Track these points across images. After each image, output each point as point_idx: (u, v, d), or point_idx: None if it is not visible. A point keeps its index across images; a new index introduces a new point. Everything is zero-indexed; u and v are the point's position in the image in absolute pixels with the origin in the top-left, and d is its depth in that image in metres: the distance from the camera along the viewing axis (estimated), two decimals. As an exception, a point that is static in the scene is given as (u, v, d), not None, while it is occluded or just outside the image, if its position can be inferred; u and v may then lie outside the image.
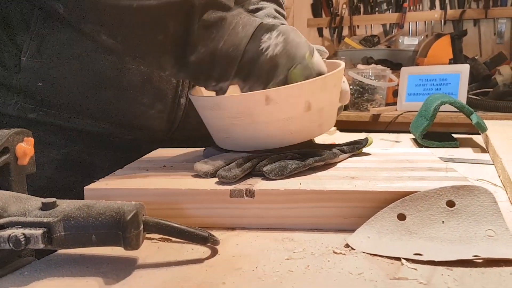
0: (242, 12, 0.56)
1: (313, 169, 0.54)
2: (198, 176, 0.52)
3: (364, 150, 0.64)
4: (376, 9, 2.64)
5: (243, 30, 0.54)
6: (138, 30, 0.53)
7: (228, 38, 0.53)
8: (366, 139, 0.64)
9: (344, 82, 0.65)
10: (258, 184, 0.48)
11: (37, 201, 0.37)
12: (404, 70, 1.99)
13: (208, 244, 0.40)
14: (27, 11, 0.64)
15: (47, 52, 0.65)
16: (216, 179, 0.50)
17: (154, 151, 0.71)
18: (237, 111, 0.55)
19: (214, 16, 0.53)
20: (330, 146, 0.61)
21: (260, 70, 0.54)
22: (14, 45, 0.65)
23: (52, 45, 0.65)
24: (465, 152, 0.84)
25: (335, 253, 0.40)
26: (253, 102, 0.54)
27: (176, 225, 0.38)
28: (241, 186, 0.47)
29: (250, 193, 0.46)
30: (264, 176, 0.50)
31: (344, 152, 0.59)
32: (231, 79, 0.55)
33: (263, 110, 0.53)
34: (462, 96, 1.83)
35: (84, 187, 0.49)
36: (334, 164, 0.57)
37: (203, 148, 0.64)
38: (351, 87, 2.02)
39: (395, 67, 2.11)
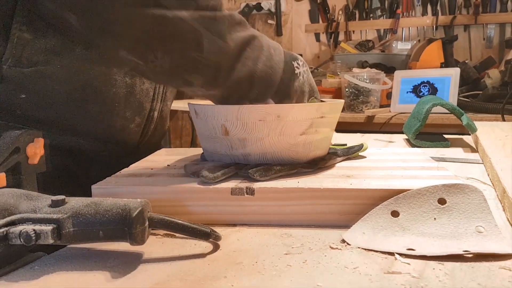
0: (258, 32, 0.54)
1: (302, 173, 0.53)
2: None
3: (360, 153, 0.64)
4: (371, 15, 2.64)
5: (275, 53, 0.52)
6: (170, 44, 0.46)
7: (266, 59, 0.51)
8: (361, 145, 0.64)
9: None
10: (258, 182, 0.48)
11: (47, 198, 0.37)
12: (398, 73, 1.98)
13: (210, 239, 0.40)
14: (5, 11, 0.54)
15: (32, 59, 0.55)
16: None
17: (157, 151, 0.71)
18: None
19: (245, 35, 0.50)
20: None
21: (293, 94, 0.54)
22: None
23: (38, 52, 0.55)
24: (456, 152, 0.84)
25: (332, 248, 0.40)
26: (192, 111, 0.56)
27: (180, 221, 0.38)
28: (242, 184, 0.47)
29: (250, 191, 0.46)
30: (250, 178, 0.49)
31: (338, 155, 0.59)
32: (266, 100, 0.53)
33: (197, 122, 0.56)
34: (452, 98, 1.83)
35: (92, 186, 0.49)
36: (329, 166, 0.57)
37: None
38: (347, 89, 2.02)
39: (389, 70, 2.11)
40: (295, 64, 0.54)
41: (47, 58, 0.56)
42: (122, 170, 0.57)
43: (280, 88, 0.53)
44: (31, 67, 0.56)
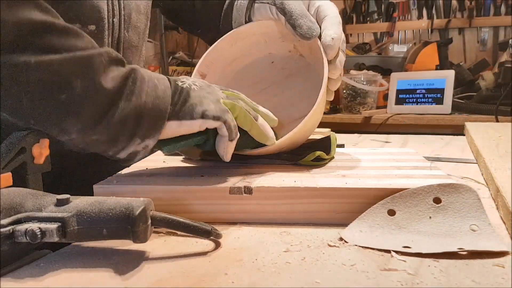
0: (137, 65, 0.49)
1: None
2: (198, 174, 0.53)
3: (355, 150, 0.64)
4: (368, 18, 2.64)
5: (159, 82, 0.48)
6: (36, 90, 0.40)
7: (150, 90, 0.46)
8: (329, 137, 0.63)
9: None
10: (256, 181, 0.48)
11: (52, 197, 0.37)
12: (394, 75, 1.99)
13: (211, 237, 0.40)
14: None
15: None
16: (217, 178, 0.50)
17: (158, 151, 0.71)
18: None
19: (125, 69, 0.45)
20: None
21: (192, 112, 0.48)
22: None
23: None
24: (451, 152, 0.84)
25: (330, 246, 0.40)
26: None
27: (181, 219, 0.38)
28: (240, 183, 0.47)
29: (248, 190, 0.46)
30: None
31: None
32: (160, 133, 0.47)
33: None
34: (447, 100, 1.84)
35: (94, 185, 0.48)
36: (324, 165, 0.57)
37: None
38: (344, 91, 2.02)
39: (386, 72, 2.11)
40: (180, 83, 0.49)
41: None
42: (123, 170, 0.57)
43: (175, 112, 0.47)
44: None
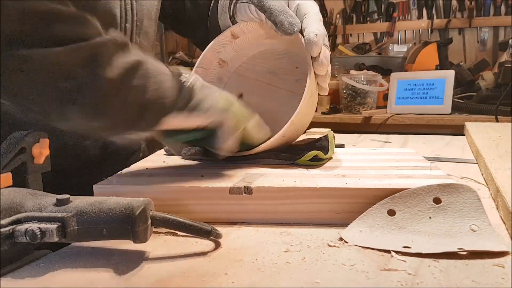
0: (142, 54, 0.49)
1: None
2: (198, 174, 0.52)
3: (355, 150, 0.64)
4: (368, 18, 2.64)
5: (165, 78, 0.47)
6: (39, 78, 0.40)
7: (154, 85, 0.46)
8: (326, 136, 0.63)
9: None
10: (256, 181, 0.48)
11: (52, 197, 0.37)
12: (394, 75, 1.99)
13: (211, 237, 0.40)
14: None
15: None
16: (217, 178, 0.50)
17: (158, 151, 0.71)
18: None
19: (129, 60, 0.45)
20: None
21: (198, 100, 0.49)
22: None
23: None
24: (451, 152, 0.84)
25: (330, 246, 0.40)
26: None
27: (181, 219, 0.38)
28: (240, 183, 0.47)
29: (248, 190, 0.46)
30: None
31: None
32: (160, 127, 0.48)
33: None
34: (447, 100, 1.84)
35: (94, 185, 0.48)
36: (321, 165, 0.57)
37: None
38: (344, 91, 2.02)
39: (386, 72, 2.11)
40: (183, 80, 0.49)
41: None
42: (123, 170, 0.57)
43: (182, 106, 0.48)
44: None
